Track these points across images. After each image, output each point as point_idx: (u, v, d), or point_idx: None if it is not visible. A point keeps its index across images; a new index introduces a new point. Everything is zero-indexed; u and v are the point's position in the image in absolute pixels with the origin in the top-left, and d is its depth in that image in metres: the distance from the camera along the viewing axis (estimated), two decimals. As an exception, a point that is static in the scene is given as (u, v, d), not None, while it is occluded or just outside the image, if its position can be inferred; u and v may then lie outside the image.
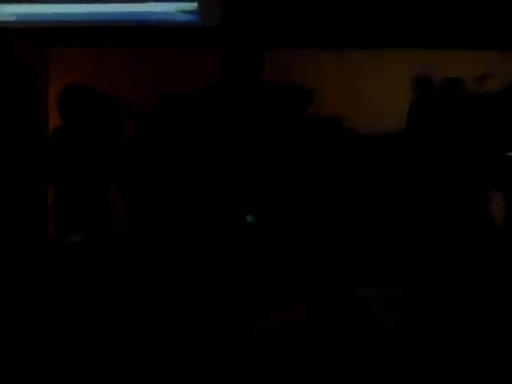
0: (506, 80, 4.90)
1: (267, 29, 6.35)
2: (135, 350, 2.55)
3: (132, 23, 6.32)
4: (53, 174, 3.84)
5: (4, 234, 3.44)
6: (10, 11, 6.34)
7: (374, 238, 4.52)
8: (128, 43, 6.57)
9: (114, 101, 4.48)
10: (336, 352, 1.89)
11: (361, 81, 6.63)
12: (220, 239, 4.28)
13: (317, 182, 4.57)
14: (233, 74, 6.22)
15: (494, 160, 4.41)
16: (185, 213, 4.37)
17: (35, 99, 3.92)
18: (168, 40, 6.59)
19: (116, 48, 6.60)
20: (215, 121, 4.52)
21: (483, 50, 6.30)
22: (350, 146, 4.83)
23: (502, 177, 4.39)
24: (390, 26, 6.25)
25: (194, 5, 6.30)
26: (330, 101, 5.42)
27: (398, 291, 2.24)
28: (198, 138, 4.58)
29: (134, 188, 4.37)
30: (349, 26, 6.30)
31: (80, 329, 2.77)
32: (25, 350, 2.63)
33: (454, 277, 3.19)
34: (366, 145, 4.96)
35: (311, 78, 5.86)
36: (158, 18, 6.32)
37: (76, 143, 3.83)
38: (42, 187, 3.84)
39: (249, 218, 4.31)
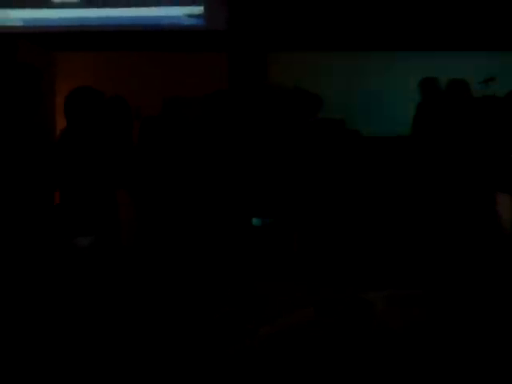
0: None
1: (273, 32, 6.37)
2: (141, 352, 2.56)
3: (139, 27, 6.36)
4: (60, 177, 3.85)
5: (11, 237, 3.46)
6: (18, 16, 6.39)
7: (381, 240, 4.51)
8: (135, 47, 6.60)
9: (121, 103, 4.49)
10: (343, 355, 1.90)
11: (366, 82, 6.64)
12: (227, 242, 4.29)
13: (324, 185, 4.57)
14: (240, 77, 6.25)
15: (501, 161, 4.41)
16: (192, 215, 4.38)
17: (42, 103, 3.94)
18: (175, 44, 6.62)
19: (123, 52, 6.62)
20: (223, 124, 4.53)
21: (489, 52, 6.31)
22: (355, 148, 4.83)
23: (509, 178, 4.38)
24: (394, 28, 6.26)
25: (201, 9, 6.34)
26: (335, 102, 5.42)
27: (403, 293, 2.24)
28: (205, 141, 4.59)
29: (142, 191, 4.39)
30: (354, 29, 6.32)
31: (87, 332, 2.79)
32: (30, 353, 2.64)
33: (460, 279, 3.19)
34: (371, 147, 4.96)
35: (315, 79, 5.88)
36: (164, 22, 6.36)
37: (83, 146, 3.84)
38: (49, 190, 3.85)
39: (255, 221, 4.32)
